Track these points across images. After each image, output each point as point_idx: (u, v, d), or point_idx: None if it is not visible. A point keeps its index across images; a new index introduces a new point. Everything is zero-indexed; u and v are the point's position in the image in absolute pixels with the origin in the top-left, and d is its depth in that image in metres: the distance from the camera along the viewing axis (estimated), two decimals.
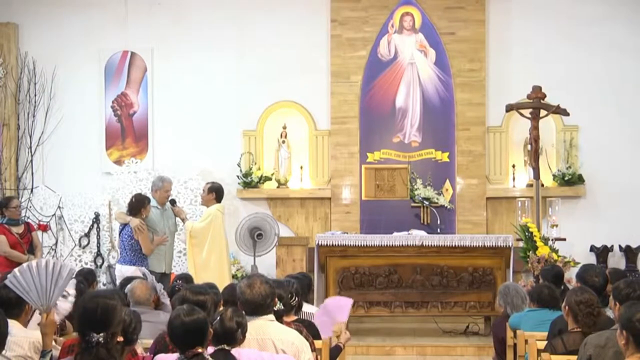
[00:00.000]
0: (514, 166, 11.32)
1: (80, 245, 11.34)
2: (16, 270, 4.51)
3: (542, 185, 10.53)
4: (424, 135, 11.40)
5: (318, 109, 11.53)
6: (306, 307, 6.38)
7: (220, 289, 5.99)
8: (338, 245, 9.67)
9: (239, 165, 11.42)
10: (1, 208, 9.31)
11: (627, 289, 5.28)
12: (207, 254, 9.31)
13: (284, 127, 11.50)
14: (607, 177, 11.26)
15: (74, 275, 4.98)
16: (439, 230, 10.62)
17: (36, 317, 4.81)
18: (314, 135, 11.54)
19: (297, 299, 5.77)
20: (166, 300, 5.99)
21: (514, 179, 11.30)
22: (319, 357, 5.52)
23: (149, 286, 5.91)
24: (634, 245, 11.11)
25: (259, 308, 4.70)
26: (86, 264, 11.10)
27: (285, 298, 5.40)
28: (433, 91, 11.40)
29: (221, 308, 5.40)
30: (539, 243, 9.30)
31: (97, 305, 3.90)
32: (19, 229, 9.27)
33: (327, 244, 9.65)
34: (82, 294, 5.40)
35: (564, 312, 5.47)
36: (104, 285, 11.02)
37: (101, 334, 3.84)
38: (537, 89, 10.01)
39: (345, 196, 11.38)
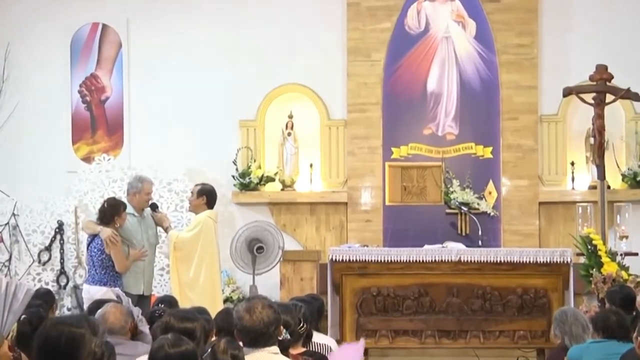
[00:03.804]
0: (573, 164, 11.27)
1: (39, 261, 11.35)
2: None
3: (609, 187, 10.49)
4: (462, 126, 11.38)
5: (331, 93, 11.53)
6: (317, 337, 6.37)
7: (213, 314, 5.99)
8: (356, 260, 9.67)
9: (234, 163, 11.42)
10: None
11: None
12: (196, 271, 9.32)
13: (290, 117, 11.49)
14: None
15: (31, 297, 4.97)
16: (480, 243, 10.59)
17: None
18: (326, 126, 11.53)
19: (305, 326, 5.76)
20: (145, 328, 5.99)
21: (573, 179, 11.25)
22: None
23: (125, 311, 5.91)
24: None
25: (260, 338, 4.69)
26: (47, 284, 11.10)
27: (292, 325, 5.39)
28: (473, 72, 11.38)
29: (213, 338, 5.39)
30: (605, 259, 9.26)
31: (60, 334, 3.88)
32: None
33: (342, 260, 9.66)
34: (42, 320, 5.39)
35: (635, 344, 5.44)
36: (68, 310, 11.03)
37: None
38: (601, 69, 9.97)
39: (365, 201, 11.36)
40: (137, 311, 6.09)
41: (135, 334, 5.96)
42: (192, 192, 9.72)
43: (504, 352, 9.99)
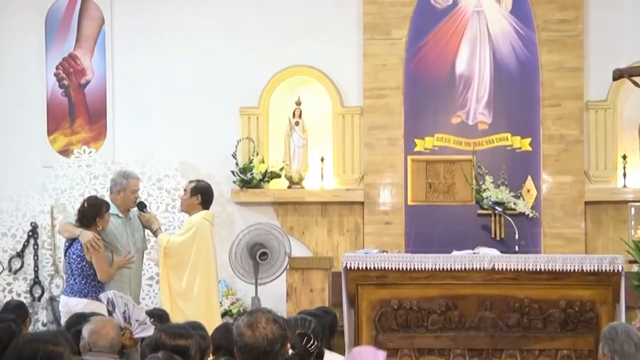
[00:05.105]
0: (624, 157, 11.26)
1: (10, 269, 11.37)
2: None
3: None
4: (496, 113, 11.39)
5: (345, 77, 11.55)
6: (329, 356, 6.36)
7: (209, 330, 5.98)
8: (374, 268, 9.67)
9: (234, 156, 11.43)
10: None
11: None
12: (189, 281, 9.32)
13: (298, 103, 11.50)
14: None
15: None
16: (517, 248, 10.57)
17: None
18: (339, 115, 11.54)
19: (316, 344, 5.74)
20: (148, 331, 5.97)
21: (624, 175, 11.25)
22: None
23: (115, 325, 5.89)
24: None
25: (263, 357, 4.68)
26: (19, 295, 11.14)
27: (300, 343, 5.37)
28: (508, 51, 11.39)
29: (210, 357, 5.38)
30: None
31: (35, 352, 3.89)
32: None
33: (358, 267, 9.65)
34: (14, 337, 5.39)
35: None
36: (44, 325, 11.05)
37: None
38: None
39: (384, 200, 11.37)
40: (137, 313, 6.09)
41: (131, 345, 5.97)
42: (185, 190, 9.71)
43: None
